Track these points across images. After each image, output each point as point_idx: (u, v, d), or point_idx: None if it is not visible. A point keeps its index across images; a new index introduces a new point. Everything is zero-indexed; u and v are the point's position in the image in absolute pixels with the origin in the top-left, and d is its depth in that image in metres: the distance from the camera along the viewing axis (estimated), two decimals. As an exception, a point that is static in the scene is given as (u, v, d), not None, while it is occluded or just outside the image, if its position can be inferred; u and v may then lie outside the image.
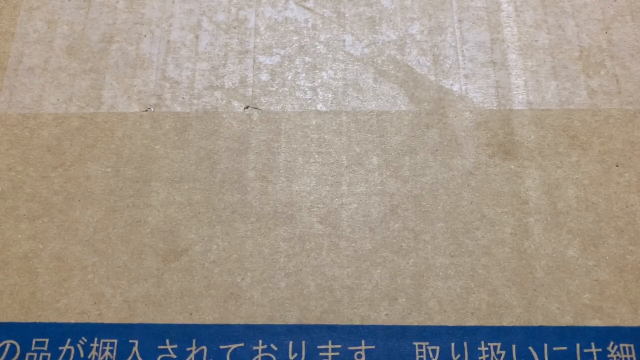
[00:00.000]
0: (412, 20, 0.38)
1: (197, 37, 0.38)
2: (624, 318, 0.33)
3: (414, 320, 0.33)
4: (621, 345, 0.33)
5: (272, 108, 0.36)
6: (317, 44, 0.38)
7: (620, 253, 0.34)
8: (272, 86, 0.37)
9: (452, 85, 0.37)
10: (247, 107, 0.36)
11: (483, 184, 0.35)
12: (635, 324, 0.33)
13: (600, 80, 0.37)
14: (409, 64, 0.37)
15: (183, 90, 0.37)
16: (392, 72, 0.37)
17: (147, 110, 0.36)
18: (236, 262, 0.33)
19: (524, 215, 0.34)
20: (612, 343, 0.33)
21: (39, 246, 0.34)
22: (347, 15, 0.38)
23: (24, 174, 0.35)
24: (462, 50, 0.38)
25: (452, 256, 0.34)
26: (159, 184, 0.35)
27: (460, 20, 0.38)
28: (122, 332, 0.33)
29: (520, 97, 0.36)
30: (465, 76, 0.37)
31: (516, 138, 0.36)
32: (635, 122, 0.36)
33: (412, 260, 0.34)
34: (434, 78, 0.37)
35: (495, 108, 0.36)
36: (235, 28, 0.38)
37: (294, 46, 0.38)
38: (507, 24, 0.38)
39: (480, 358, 0.32)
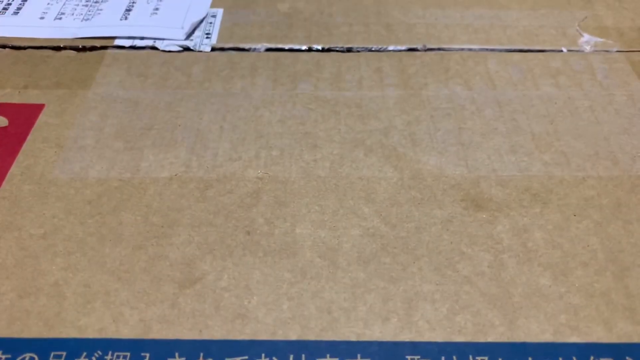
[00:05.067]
0: (394, 117, 0.48)
1: (221, 127, 0.47)
2: (600, 336, 0.36)
3: (405, 337, 0.35)
4: (601, 359, 0.35)
5: (280, 174, 0.44)
6: (318, 131, 0.47)
7: (588, 281, 0.38)
8: (281, 159, 0.45)
9: (428, 159, 0.44)
10: (259, 172, 0.43)
11: (460, 229, 0.40)
12: (612, 341, 0.35)
13: (551, 155, 0.45)
14: (393, 144, 0.45)
15: (207, 161, 0.44)
16: (379, 150, 0.45)
17: (175, 175, 0.43)
18: (244, 288, 0.37)
19: (499, 252, 0.39)
20: (592, 358, 0.35)
21: (70, 275, 0.38)
22: (341, 113, 0.48)
23: (65, 220, 0.41)
24: (436, 136, 0.46)
25: (437, 284, 0.38)
26: (181, 228, 0.40)
27: (432, 116, 0.48)
28: (134, 346, 0.35)
29: (486, 166, 0.44)
30: (439, 152, 0.45)
31: (485, 196, 0.42)
32: (585, 184, 0.43)
33: (401, 288, 0.38)
34: (413, 154, 0.45)
35: (466, 175, 0.43)
36: (252, 122, 0.47)
37: (299, 133, 0.46)
38: (470, 118, 0.47)
39: (468, 369, 0.34)
